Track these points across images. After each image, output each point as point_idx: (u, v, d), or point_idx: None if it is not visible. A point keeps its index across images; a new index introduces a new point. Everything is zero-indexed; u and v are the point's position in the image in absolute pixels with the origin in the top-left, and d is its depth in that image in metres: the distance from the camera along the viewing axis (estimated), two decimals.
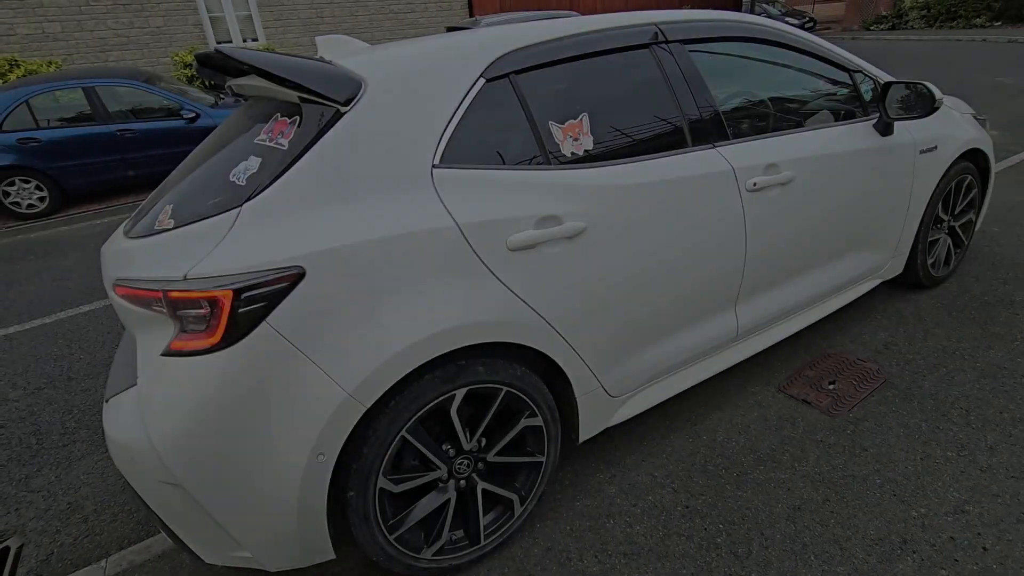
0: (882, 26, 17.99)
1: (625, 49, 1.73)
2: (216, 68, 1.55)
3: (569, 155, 1.57)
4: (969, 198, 2.74)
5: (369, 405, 1.27)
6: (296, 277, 1.22)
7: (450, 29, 10.61)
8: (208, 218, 1.29)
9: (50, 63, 8.50)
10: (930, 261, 2.69)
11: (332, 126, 1.33)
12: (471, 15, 12.11)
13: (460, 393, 1.42)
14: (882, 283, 2.60)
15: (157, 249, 1.34)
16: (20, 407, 2.83)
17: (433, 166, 1.39)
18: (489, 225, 1.40)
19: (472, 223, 1.38)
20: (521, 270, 1.45)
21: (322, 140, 1.31)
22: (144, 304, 1.31)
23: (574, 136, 1.59)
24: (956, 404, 2.04)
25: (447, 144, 1.42)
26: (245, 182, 1.32)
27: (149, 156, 6.91)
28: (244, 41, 10.53)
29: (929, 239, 2.62)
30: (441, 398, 1.40)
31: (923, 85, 2.09)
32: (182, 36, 9.97)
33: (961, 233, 2.81)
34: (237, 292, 1.18)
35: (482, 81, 1.49)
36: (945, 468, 1.78)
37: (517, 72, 1.54)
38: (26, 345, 3.48)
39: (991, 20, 15.27)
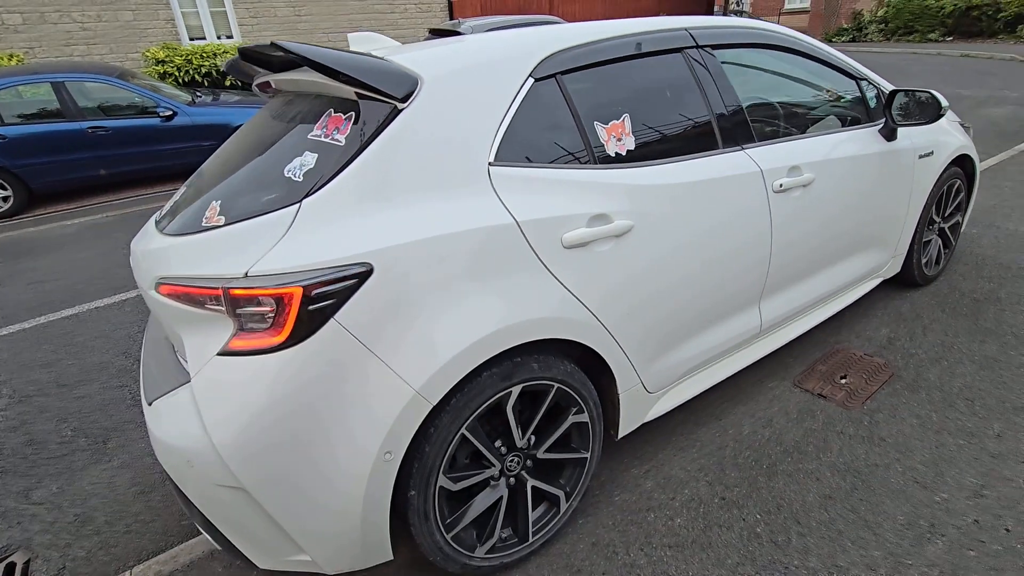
0: (843, 38, 18.74)
1: (660, 53, 1.77)
2: (256, 62, 1.52)
3: (613, 155, 1.60)
4: (957, 201, 2.90)
5: (435, 403, 1.27)
6: (364, 274, 1.20)
7: (433, 32, 10.58)
8: (264, 214, 1.27)
9: (11, 56, 8.10)
10: (924, 261, 2.83)
11: (390, 122, 1.32)
12: (451, 17, 12.09)
13: (516, 390, 1.43)
14: (879, 282, 2.71)
15: (208, 246, 1.30)
16: (10, 416, 2.69)
17: (489, 163, 1.40)
18: (546, 223, 1.41)
19: (530, 220, 1.39)
20: (574, 268, 1.47)
21: (381, 136, 1.31)
22: (196, 303, 1.27)
23: (617, 136, 1.62)
24: (961, 395, 2.15)
25: (501, 142, 1.43)
26: (302, 177, 1.30)
27: (122, 155, 6.67)
28: (218, 38, 10.24)
29: (924, 240, 2.75)
30: (499, 395, 1.40)
31: (929, 93, 2.21)
32: (153, 31, 9.63)
33: (950, 234, 2.97)
34: (307, 289, 1.16)
35: (531, 81, 1.50)
36: (959, 455, 1.88)
37: (563, 72, 1.56)
38: (7, 352, 3.30)
39: (944, 35, 16.10)
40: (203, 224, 1.36)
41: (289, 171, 1.33)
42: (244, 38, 10.29)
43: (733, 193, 1.79)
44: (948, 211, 2.87)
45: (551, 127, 1.53)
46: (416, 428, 1.27)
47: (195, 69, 8.99)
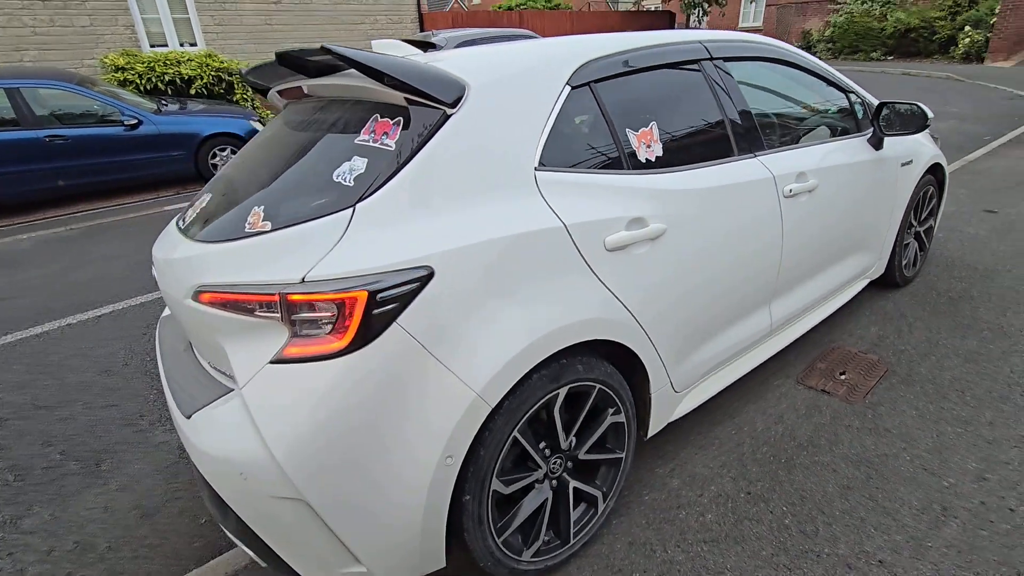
0: None
1: (680, 64, 1.85)
2: (294, 67, 1.50)
3: (644, 161, 1.65)
4: (931, 207, 3.10)
5: (494, 405, 1.27)
6: (425, 277, 1.20)
7: (406, 43, 10.55)
8: (316, 219, 1.25)
9: None
10: (904, 263, 3.01)
11: (440, 127, 1.33)
12: (422, 29, 12.13)
13: (563, 392, 1.45)
14: (867, 283, 2.87)
15: (255, 252, 1.27)
16: None
17: (535, 168, 1.43)
18: (590, 226, 1.45)
19: (577, 224, 1.42)
20: (615, 270, 1.50)
21: (432, 141, 1.31)
22: (243, 310, 1.24)
23: (647, 143, 1.67)
24: (952, 387, 2.29)
25: (543, 147, 1.46)
26: (353, 182, 1.29)
27: (83, 165, 6.36)
28: (181, 45, 9.94)
29: (904, 243, 2.93)
30: (547, 397, 1.41)
31: (916, 105, 2.37)
32: (111, 37, 9.26)
33: (924, 237, 3.17)
34: (372, 293, 1.15)
35: (568, 88, 1.54)
36: (958, 442, 2.00)
37: (596, 81, 1.61)
38: None
39: (885, 55, 17.20)
40: (246, 230, 1.32)
41: (338, 176, 1.31)
42: (209, 46, 10.02)
43: (750, 198, 1.87)
44: (923, 216, 3.07)
45: (588, 133, 1.57)
46: (476, 432, 1.27)
47: (158, 77, 8.69)
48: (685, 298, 1.72)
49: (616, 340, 1.52)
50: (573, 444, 1.57)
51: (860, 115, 2.53)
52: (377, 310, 1.16)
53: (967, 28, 15.14)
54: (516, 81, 1.46)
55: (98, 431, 2.55)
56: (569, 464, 1.58)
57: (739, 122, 1.94)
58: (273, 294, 1.19)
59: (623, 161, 1.61)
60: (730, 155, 1.89)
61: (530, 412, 1.39)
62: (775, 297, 2.13)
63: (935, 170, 2.99)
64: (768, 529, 1.70)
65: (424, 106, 1.34)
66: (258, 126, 7.41)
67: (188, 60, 8.96)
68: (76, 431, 2.56)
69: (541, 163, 1.44)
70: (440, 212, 1.29)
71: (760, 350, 2.17)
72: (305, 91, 1.61)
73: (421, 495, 1.24)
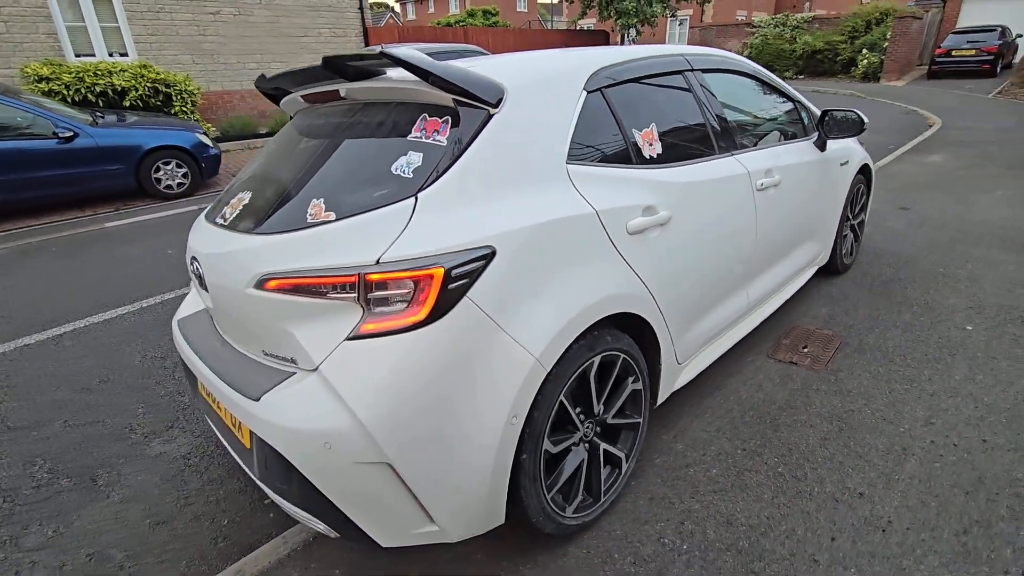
0: None
1: (668, 73, 2.10)
2: (337, 72, 1.61)
3: (648, 157, 1.88)
4: (863, 202, 3.56)
5: (549, 369, 1.43)
6: (489, 256, 1.35)
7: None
8: (381, 208, 1.37)
9: None
10: (843, 251, 3.42)
11: (485, 125, 1.48)
12: (367, 43, 12.13)
13: (597, 360, 1.62)
14: (815, 270, 3.25)
15: (323, 240, 1.37)
16: None
17: (566, 161, 1.61)
18: (615, 212, 1.64)
19: (605, 210, 1.61)
20: (635, 251, 1.70)
21: (479, 138, 1.46)
22: (316, 293, 1.33)
23: (649, 142, 1.90)
24: (895, 352, 2.67)
25: (571, 143, 1.64)
26: (412, 174, 1.42)
27: (12, 180, 5.94)
28: (110, 55, 9.44)
29: (843, 234, 3.35)
30: (584, 364, 1.58)
31: (854, 112, 2.76)
32: (31, 46, 8.67)
33: (858, 229, 3.62)
34: (448, 270, 1.28)
35: (584, 93, 1.74)
36: (907, 396, 2.34)
37: (605, 87, 1.82)
38: None
39: (797, 74, 18.89)
40: (309, 221, 1.42)
41: (397, 168, 1.44)
42: (142, 56, 9.59)
43: (731, 190, 2.15)
44: (856, 210, 3.51)
45: (603, 132, 1.77)
46: (535, 393, 1.42)
47: (88, 88, 8.22)
48: (686, 277, 1.95)
49: (638, 313, 1.71)
50: (602, 410, 1.74)
51: (806, 121, 2.90)
52: (451, 285, 1.29)
53: (864, 51, 16.93)
54: (545, 85, 1.64)
55: (86, 447, 2.46)
56: (598, 428, 1.75)
57: (717, 125, 2.21)
58: (351, 275, 1.29)
59: (632, 157, 1.82)
60: (713, 153, 2.15)
61: (572, 378, 1.55)
62: (751, 279, 2.41)
63: (864, 170, 3.44)
64: (765, 477, 1.94)
65: (470, 106, 1.49)
66: (204, 139, 7.18)
67: (121, 71, 8.53)
68: (61, 449, 2.45)
69: (570, 157, 1.63)
70: (492, 199, 1.44)
71: (739, 327, 2.44)
72: (342, 94, 1.71)
73: (490, 453, 1.37)
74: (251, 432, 1.49)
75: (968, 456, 1.98)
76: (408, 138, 1.50)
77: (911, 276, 3.50)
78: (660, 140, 1.93)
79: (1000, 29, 15.50)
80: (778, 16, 20.92)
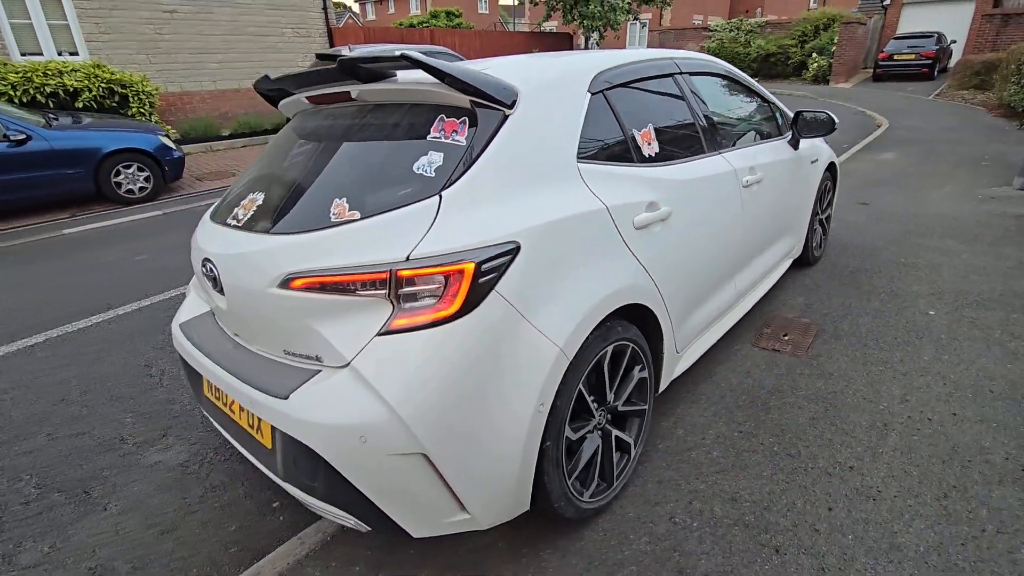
0: None
1: (661, 76, 2.19)
2: (350, 74, 1.62)
3: (647, 156, 1.96)
4: (829, 198, 3.77)
5: (571, 358, 1.49)
6: (514, 251, 1.40)
7: (321, 57, 10.34)
8: (405, 206, 1.40)
9: None
10: (814, 244, 3.62)
11: (502, 126, 1.54)
12: (331, 43, 11.94)
13: (610, 350, 1.69)
14: (791, 262, 3.43)
15: (349, 238, 1.39)
16: None
17: (577, 160, 1.67)
18: (623, 208, 1.72)
19: (614, 206, 1.69)
20: (641, 245, 1.78)
21: (497, 137, 1.51)
22: (343, 291, 1.36)
23: (648, 141, 1.99)
24: (869, 337, 2.85)
25: (579, 143, 1.71)
26: (434, 173, 1.46)
27: None
28: (60, 54, 9.00)
29: (813, 228, 3.54)
30: (600, 354, 1.65)
31: (825, 113, 2.94)
32: None
33: (825, 224, 3.83)
34: (478, 264, 1.33)
35: (589, 95, 1.81)
36: (883, 377, 2.51)
37: (606, 89, 1.89)
38: None
39: (752, 76, 19.62)
40: (333, 220, 1.43)
41: (419, 168, 1.47)
42: (94, 55, 9.18)
43: (721, 187, 2.26)
44: (824, 205, 3.72)
45: (607, 132, 1.84)
46: (559, 382, 1.47)
47: (37, 88, 7.81)
48: (684, 269, 2.05)
49: (645, 304, 1.79)
50: (613, 398, 1.82)
51: (780, 121, 3.06)
52: (481, 279, 1.34)
53: (814, 55, 17.73)
54: (554, 87, 1.71)
55: (75, 460, 2.38)
56: (609, 416, 1.82)
57: (706, 125, 2.32)
58: (382, 272, 1.32)
59: (634, 155, 1.90)
60: (703, 152, 2.26)
61: (589, 368, 1.61)
62: (737, 271, 2.54)
63: (831, 168, 3.65)
64: (763, 456, 2.06)
65: (487, 107, 1.54)
66: (167, 142, 6.95)
67: (73, 71, 8.15)
68: (47, 463, 2.37)
69: (579, 156, 1.69)
70: (511, 197, 1.49)
71: (728, 317, 2.56)
72: (353, 96, 1.73)
73: (519, 441, 1.42)
74: (274, 431, 1.49)
75: (942, 429, 2.15)
76: (427, 138, 1.53)
77: (876, 266, 3.73)
78: (657, 139, 2.03)
79: (936, 35, 16.51)
80: (733, 21, 21.67)
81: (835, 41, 17.22)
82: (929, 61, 15.96)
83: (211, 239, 1.67)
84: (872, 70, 17.59)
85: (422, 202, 1.40)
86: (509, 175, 1.51)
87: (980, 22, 16.26)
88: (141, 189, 6.76)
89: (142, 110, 8.75)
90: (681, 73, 2.31)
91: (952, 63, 16.99)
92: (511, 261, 1.39)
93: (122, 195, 6.62)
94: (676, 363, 2.17)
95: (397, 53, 1.48)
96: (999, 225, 4.43)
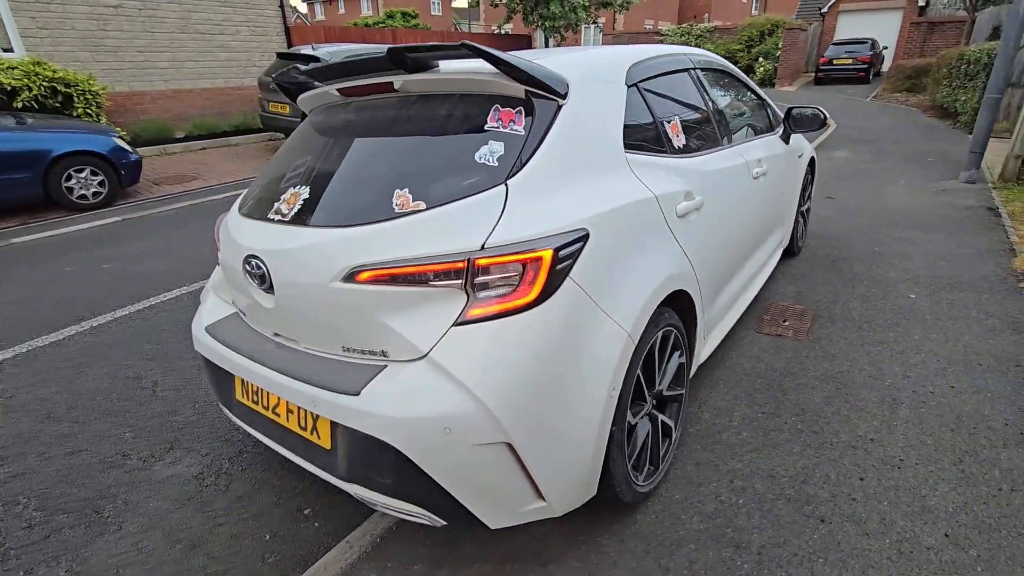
0: None
1: (679, 71, 2.26)
2: (398, 63, 1.60)
3: (677, 147, 2.02)
4: (808, 192, 3.97)
5: (636, 343, 1.51)
6: (585, 237, 1.41)
7: (283, 56, 10.01)
8: (472, 196, 1.39)
9: None
10: (798, 235, 3.81)
11: (557, 115, 1.55)
12: (289, 43, 11.59)
13: (659, 335, 1.73)
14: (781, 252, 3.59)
15: (417, 229, 1.37)
16: None
17: (624, 150, 1.71)
18: (668, 197, 1.76)
19: (660, 195, 1.73)
20: (682, 232, 1.84)
21: (554, 127, 1.53)
22: (416, 282, 1.34)
23: (676, 133, 2.04)
24: (862, 320, 3.02)
25: (624, 133, 1.74)
26: (497, 163, 1.45)
27: None
28: None
29: (796, 220, 3.72)
30: (652, 339, 1.68)
31: (817, 109, 3.10)
32: None
33: (805, 216, 4.03)
34: (556, 251, 1.33)
35: (625, 87, 1.85)
36: (882, 355, 2.67)
37: (639, 82, 1.94)
38: None
39: None
40: (397, 211, 1.41)
41: (481, 158, 1.46)
42: (31, 52, 8.56)
43: (737, 178, 2.35)
44: (804, 198, 3.92)
45: (644, 124, 1.89)
46: (627, 367, 1.50)
47: None
48: (713, 257, 2.12)
49: (686, 290, 1.84)
50: (659, 383, 1.86)
51: (772, 117, 3.21)
52: (558, 266, 1.34)
53: (760, 59, 18.59)
54: (599, 78, 1.73)
55: (76, 479, 2.22)
56: (654, 401, 1.86)
57: (719, 119, 2.41)
58: (458, 261, 1.31)
59: (666, 147, 1.96)
60: (719, 145, 2.35)
61: (645, 353, 1.65)
62: (747, 259, 2.65)
63: (811, 163, 3.85)
64: (790, 434, 2.15)
65: (543, 98, 1.55)
66: (122, 144, 6.57)
67: (10, 68, 7.57)
68: (44, 484, 2.20)
69: (624, 146, 1.73)
70: (572, 185, 1.50)
71: (739, 304, 2.66)
72: (396, 87, 1.70)
73: (594, 426, 1.43)
74: (335, 430, 1.45)
75: (944, 400, 2.31)
76: (486, 128, 1.52)
77: (853, 255, 3.96)
78: (683, 132, 2.09)
79: (871, 41, 17.64)
80: (683, 26, 22.43)
81: (780, 46, 18.11)
82: (865, 66, 17.04)
83: (254, 236, 1.60)
84: (814, 74, 18.60)
85: (489, 191, 1.40)
86: (568, 164, 1.52)
87: (908, 29, 17.51)
88: (95, 194, 6.36)
89: (88, 111, 8.21)
90: (694, 68, 2.39)
91: (885, 67, 18.20)
92: (582, 248, 1.40)
93: (75, 201, 6.21)
94: (702, 348, 2.23)
95: (459, 43, 1.47)
96: (954, 216, 4.78)
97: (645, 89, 1.95)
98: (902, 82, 14.60)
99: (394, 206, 1.42)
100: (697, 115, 2.28)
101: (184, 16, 10.33)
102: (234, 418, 1.91)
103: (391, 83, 1.70)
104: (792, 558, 1.63)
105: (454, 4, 44.85)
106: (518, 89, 1.54)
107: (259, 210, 1.69)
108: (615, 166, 1.65)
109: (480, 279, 1.32)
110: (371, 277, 1.36)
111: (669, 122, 2.02)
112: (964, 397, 2.33)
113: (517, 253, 1.32)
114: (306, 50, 9.03)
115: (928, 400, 2.32)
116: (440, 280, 1.33)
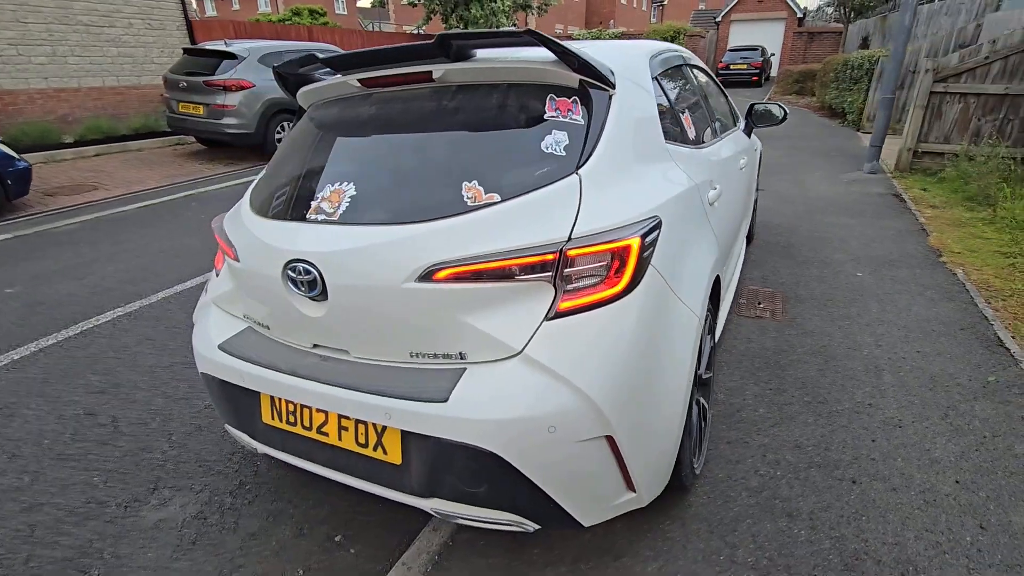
0: None
1: (681, 66, 2.34)
2: (446, 52, 1.51)
3: (692, 139, 2.09)
4: (756, 183, 4.27)
5: (703, 328, 1.54)
6: (659, 225, 1.42)
7: (190, 51, 9.15)
8: (547, 186, 1.35)
9: None
10: (754, 223, 4.09)
11: (610, 105, 1.54)
12: (192, 39, 10.65)
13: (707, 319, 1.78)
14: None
15: (495, 221, 1.31)
16: None
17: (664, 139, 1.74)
18: (702, 186, 1.82)
19: (699, 184, 1.78)
20: (712, 217, 1.90)
21: (610, 117, 1.52)
22: (501, 277, 1.28)
23: (689, 125, 2.11)
24: (825, 298, 3.30)
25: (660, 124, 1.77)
26: (564, 152, 1.42)
27: None
28: None
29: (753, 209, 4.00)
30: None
31: (778, 104, 3.33)
32: None
33: (755, 205, 4.34)
34: (643, 238, 1.32)
35: (651, 79, 1.88)
36: (852, 327, 2.93)
37: (658, 75, 1.98)
38: None
39: None
40: (469, 204, 1.33)
41: (548, 147, 1.42)
42: None
43: (732, 167, 2.48)
44: (755, 188, 4.22)
45: (669, 115, 1.93)
46: (698, 351, 1.52)
47: None
48: (727, 241, 2.22)
49: (719, 275, 1.91)
50: (703, 366, 1.91)
51: (735, 112, 3.41)
52: (644, 254, 1.34)
53: None
54: (635, 70, 1.75)
55: (43, 539, 1.90)
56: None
57: (712, 112, 2.53)
58: (548, 253, 1.26)
59: (688, 138, 2.02)
60: (716, 137, 2.46)
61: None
62: (734, 244, 2.80)
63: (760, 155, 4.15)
64: (800, 407, 2.30)
65: (597, 88, 1.53)
66: (6, 150, 5.71)
67: None
68: (3, 549, 1.86)
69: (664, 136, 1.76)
70: (634, 174, 1.51)
71: (731, 289, 2.81)
72: (435, 76, 1.60)
73: (677, 414, 1.44)
74: (408, 443, 1.35)
75: (916, 364, 2.58)
76: (545, 118, 1.48)
77: (799, 240, 4.31)
78: (692, 124, 2.16)
79: (760, 48, 19.36)
80: (593, 31, 23.36)
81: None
82: (757, 71, 18.67)
83: (297, 238, 1.44)
84: None
85: (562, 181, 1.36)
86: (628, 153, 1.52)
87: (792, 38, 19.40)
88: None
89: None
90: (687, 64, 2.48)
91: (774, 72, 20.04)
92: (658, 236, 1.41)
93: None
94: (715, 330, 2.33)
95: (521, 29, 1.42)
96: (869, 202, 5.36)
97: (662, 82, 2.00)
98: (791, 85, 16.15)
99: (465, 199, 1.34)
100: (700, 108, 2.37)
101: (64, 6, 9.17)
102: (255, 444, 1.71)
103: (429, 73, 1.60)
104: (839, 520, 1.74)
105: (359, 3, 43.54)
106: (573, 78, 1.51)
107: (292, 210, 1.53)
108: (661, 155, 1.68)
109: (568, 271, 1.28)
110: (451, 275, 1.27)
111: (683, 114, 2.09)
112: (930, 359, 2.61)
113: (607, 242, 1.29)
114: (220, 46, 8.35)
115: (903, 365, 2.58)
116: (527, 274, 1.27)
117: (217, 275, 1.85)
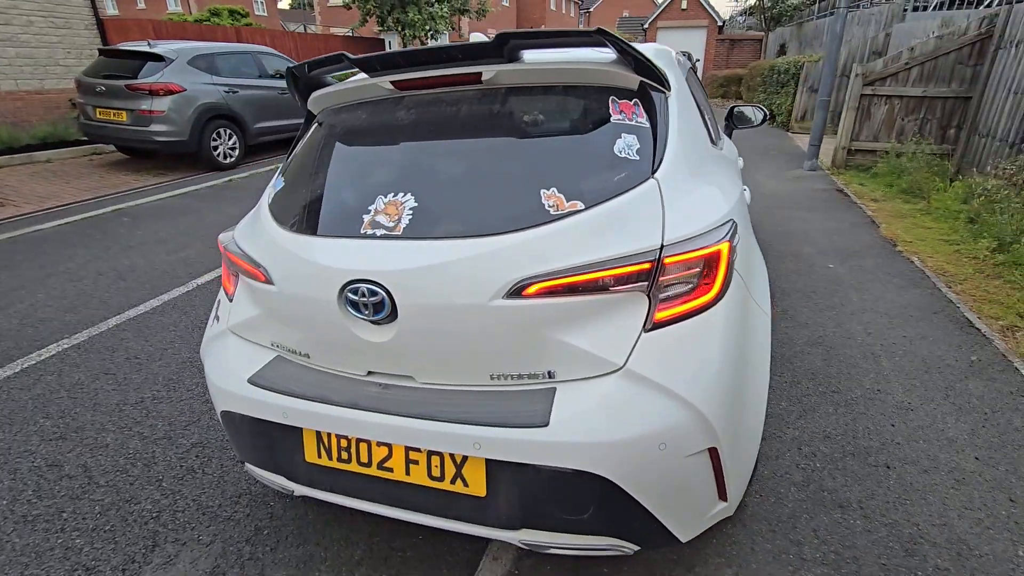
0: None
1: (692, 68, 2.35)
2: (497, 54, 1.41)
3: (714, 140, 2.10)
4: None
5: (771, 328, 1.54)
6: (736, 228, 1.40)
7: (107, 52, 8.29)
8: (628, 191, 1.30)
9: None
10: None
11: (668, 106, 1.51)
12: (104, 39, 9.72)
13: None
14: None
15: (584, 230, 1.23)
16: None
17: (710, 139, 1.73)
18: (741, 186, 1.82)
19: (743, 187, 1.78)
20: (742, 216, 1.91)
21: (671, 118, 1.48)
22: (595, 290, 1.21)
23: (711, 126, 2.13)
24: (806, 290, 3.45)
25: None
26: (637, 156, 1.37)
27: None
28: None
29: None
30: None
31: (759, 106, 3.44)
32: None
33: None
34: (731, 242, 1.29)
35: (684, 81, 1.87)
36: (840, 316, 3.08)
37: (686, 76, 1.97)
38: None
39: None
40: (552, 213, 1.25)
41: (621, 151, 1.36)
42: None
43: (737, 166, 2.52)
44: None
45: (701, 117, 1.93)
46: (769, 352, 1.51)
47: None
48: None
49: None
50: None
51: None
52: (734, 258, 1.31)
53: None
54: (673, 70, 1.72)
55: None
56: None
57: (710, 114, 2.57)
58: (644, 262, 1.20)
59: (712, 139, 2.02)
60: (719, 138, 2.49)
61: None
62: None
63: None
64: (818, 398, 2.37)
65: (656, 89, 1.49)
66: None
67: None
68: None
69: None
70: (699, 176, 1.48)
71: None
72: (483, 78, 1.49)
73: (761, 416, 1.42)
74: (494, 472, 1.24)
75: (907, 348, 2.74)
76: (612, 120, 1.42)
77: (768, 236, 4.51)
78: (712, 126, 2.18)
79: (688, 54, 20.27)
80: None
81: None
82: None
83: (356, 257, 1.29)
84: None
85: (642, 185, 1.31)
86: (691, 155, 1.49)
87: (715, 45, 20.51)
88: None
89: None
90: (692, 67, 2.51)
91: (699, 76, 21.08)
92: (738, 239, 1.39)
93: None
94: None
95: (593, 29, 1.35)
96: (818, 198, 5.71)
97: (690, 82, 2.00)
98: (717, 89, 17.05)
99: (547, 207, 1.26)
100: (707, 110, 2.40)
101: None
102: (292, 486, 1.53)
103: (478, 74, 1.50)
104: (887, 506, 1.79)
105: (279, 5, 41.82)
106: (634, 80, 1.46)
107: (339, 226, 1.38)
108: (712, 156, 1.67)
109: (663, 279, 1.23)
110: (543, 289, 1.18)
111: (706, 114, 2.10)
112: (917, 343, 2.79)
113: (699, 248, 1.25)
114: (143, 47, 7.65)
115: (895, 350, 2.73)
116: (621, 284, 1.21)
117: (231, 300, 1.65)
